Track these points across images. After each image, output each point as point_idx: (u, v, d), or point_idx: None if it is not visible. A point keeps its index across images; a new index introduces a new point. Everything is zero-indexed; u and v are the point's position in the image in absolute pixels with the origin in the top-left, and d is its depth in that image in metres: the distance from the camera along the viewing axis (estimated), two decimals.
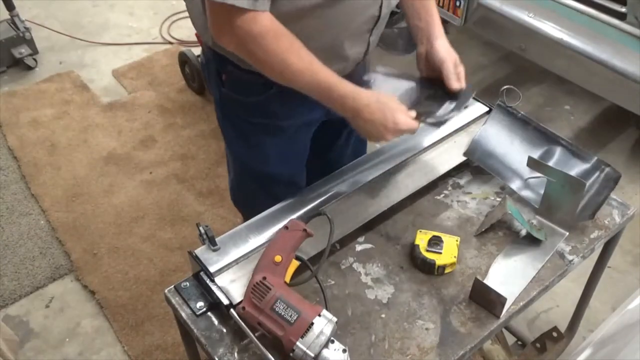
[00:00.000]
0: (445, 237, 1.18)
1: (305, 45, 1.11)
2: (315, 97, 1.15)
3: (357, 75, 1.29)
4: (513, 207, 1.23)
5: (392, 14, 1.31)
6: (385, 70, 1.33)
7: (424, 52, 1.30)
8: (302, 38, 1.10)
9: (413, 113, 1.19)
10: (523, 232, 1.24)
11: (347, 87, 1.13)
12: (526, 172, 1.30)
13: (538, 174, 1.26)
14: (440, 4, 2.67)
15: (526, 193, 1.31)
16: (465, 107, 1.48)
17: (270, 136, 1.37)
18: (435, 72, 1.28)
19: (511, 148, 1.38)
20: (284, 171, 1.46)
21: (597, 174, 1.32)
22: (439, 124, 1.27)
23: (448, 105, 1.26)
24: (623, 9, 2.19)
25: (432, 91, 1.30)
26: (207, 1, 1.04)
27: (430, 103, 1.27)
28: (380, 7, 1.21)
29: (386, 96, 1.17)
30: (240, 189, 1.58)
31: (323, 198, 1.26)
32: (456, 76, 1.26)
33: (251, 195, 1.54)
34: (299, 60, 1.09)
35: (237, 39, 1.07)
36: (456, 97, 1.27)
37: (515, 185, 1.32)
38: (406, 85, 1.32)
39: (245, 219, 1.61)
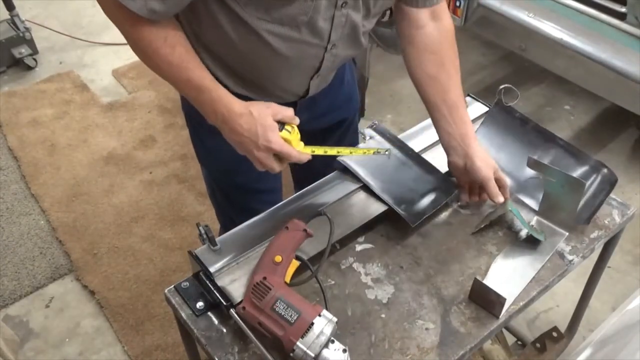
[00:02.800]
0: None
1: (240, 67, 1.07)
2: (185, 95, 1.11)
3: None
4: (514, 207, 1.23)
5: (393, 14, 1.31)
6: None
7: (462, 165, 1.21)
8: (234, 59, 1.08)
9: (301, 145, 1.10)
10: (523, 233, 1.24)
11: (220, 92, 1.06)
12: (523, 172, 1.30)
13: (537, 174, 1.26)
14: None
15: (524, 193, 1.31)
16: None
17: (221, 140, 1.28)
18: (475, 183, 1.23)
19: (508, 148, 1.38)
20: (245, 178, 1.39)
21: (594, 175, 1.32)
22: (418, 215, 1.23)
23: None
24: (623, 9, 2.19)
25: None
26: None
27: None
28: (321, 61, 1.16)
29: (264, 110, 1.06)
30: (209, 189, 1.55)
31: (323, 198, 1.26)
32: (499, 192, 1.20)
33: (219, 198, 1.51)
34: (171, 53, 1.03)
35: (114, 15, 1.02)
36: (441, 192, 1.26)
37: (512, 185, 1.31)
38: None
39: (217, 214, 1.60)
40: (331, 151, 1.16)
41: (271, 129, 1.05)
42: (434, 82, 1.22)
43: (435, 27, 1.21)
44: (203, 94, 1.07)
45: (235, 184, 1.42)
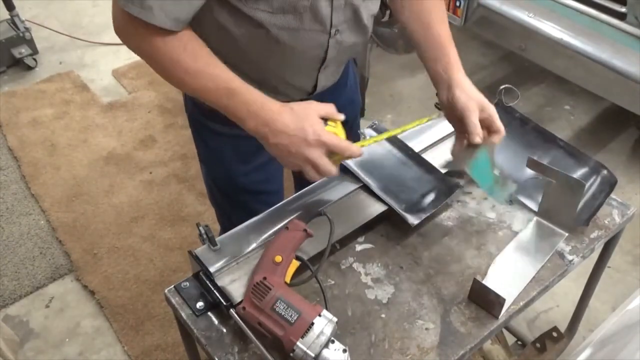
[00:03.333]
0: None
1: (247, 67, 1.03)
2: (215, 105, 1.02)
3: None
4: (482, 159, 1.12)
5: (393, 14, 1.31)
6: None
7: (446, 100, 1.16)
8: (240, 60, 1.04)
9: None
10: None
11: (254, 93, 1.00)
12: (523, 172, 1.30)
13: (536, 175, 1.26)
14: None
15: (523, 194, 1.31)
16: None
17: (229, 143, 1.29)
18: (460, 121, 1.14)
19: (508, 148, 1.38)
20: (247, 180, 1.37)
21: (594, 177, 1.32)
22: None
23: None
24: (623, 9, 2.19)
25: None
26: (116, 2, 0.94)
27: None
28: (326, 50, 1.14)
29: (305, 106, 1.01)
30: (209, 190, 1.53)
31: (323, 198, 1.26)
32: (476, 129, 1.10)
33: (220, 198, 1.50)
34: (193, 61, 0.98)
35: (125, 29, 0.98)
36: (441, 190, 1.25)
37: None
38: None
39: (218, 216, 1.59)
40: (381, 137, 1.16)
41: (318, 122, 1.00)
42: (416, 19, 1.20)
43: None
44: (235, 97, 0.99)
45: (237, 186, 1.40)
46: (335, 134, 1.01)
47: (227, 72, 1.00)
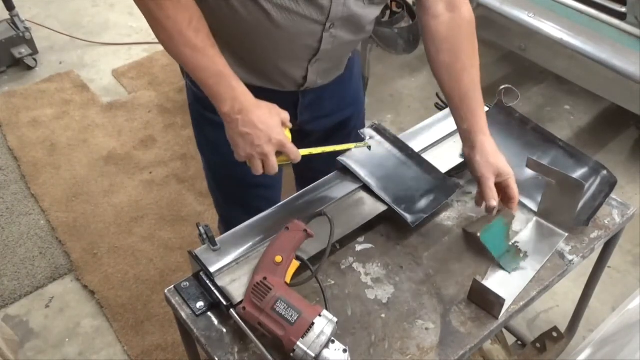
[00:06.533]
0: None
1: (239, 46, 1.07)
2: (201, 81, 1.08)
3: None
4: (498, 227, 1.18)
5: (393, 14, 1.31)
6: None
7: (467, 158, 1.22)
8: (234, 43, 1.07)
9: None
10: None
11: (239, 83, 1.08)
12: (523, 172, 1.30)
13: (536, 175, 1.26)
14: None
15: (523, 194, 1.30)
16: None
17: (221, 132, 1.29)
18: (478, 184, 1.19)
19: (508, 148, 1.37)
20: (245, 171, 1.37)
21: (593, 177, 1.32)
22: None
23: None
24: (623, 9, 2.19)
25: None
26: None
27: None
28: (320, 41, 1.15)
29: (274, 108, 1.11)
30: (208, 180, 1.56)
31: (323, 198, 1.26)
32: (492, 195, 1.15)
33: (215, 189, 1.53)
34: (195, 36, 1.04)
35: None
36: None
37: None
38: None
39: (215, 206, 1.61)
40: (316, 151, 1.18)
41: (280, 124, 1.09)
42: (448, 71, 1.21)
43: (451, 18, 1.20)
44: (223, 80, 1.06)
45: (234, 176, 1.42)
46: (287, 137, 1.11)
47: (220, 57, 1.07)
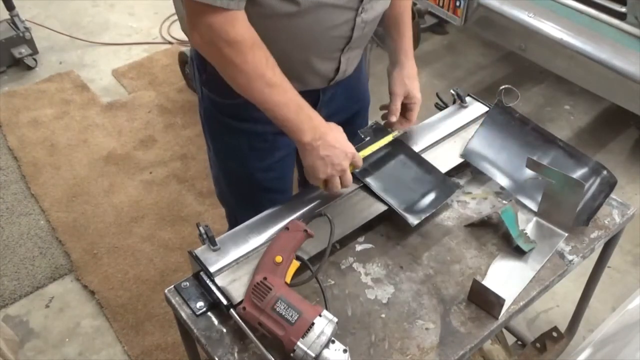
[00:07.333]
0: None
1: (274, 53, 1.07)
2: (281, 117, 1.09)
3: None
4: (510, 213, 1.21)
5: None
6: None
7: (388, 74, 1.34)
8: (269, 47, 1.07)
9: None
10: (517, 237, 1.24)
11: (311, 108, 1.11)
12: (523, 173, 1.30)
13: (536, 175, 1.26)
14: (440, 4, 2.67)
15: (523, 194, 1.31)
16: (465, 106, 1.49)
17: (245, 140, 1.33)
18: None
19: (508, 149, 1.38)
20: (262, 176, 1.41)
21: (593, 177, 1.32)
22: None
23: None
24: (623, 9, 2.19)
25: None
26: None
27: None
28: (353, 28, 1.17)
29: (337, 125, 1.16)
30: (219, 187, 1.55)
31: (323, 198, 1.26)
32: (395, 109, 1.29)
33: (228, 195, 1.52)
34: (273, 74, 1.05)
35: (208, 38, 1.02)
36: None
37: (511, 186, 1.31)
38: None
39: (227, 214, 1.61)
40: (367, 152, 1.28)
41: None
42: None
43: None
44: (303, 111, 1.09)
45: (253, 182, 1.42)
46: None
47: (292, 88, 1.09)
